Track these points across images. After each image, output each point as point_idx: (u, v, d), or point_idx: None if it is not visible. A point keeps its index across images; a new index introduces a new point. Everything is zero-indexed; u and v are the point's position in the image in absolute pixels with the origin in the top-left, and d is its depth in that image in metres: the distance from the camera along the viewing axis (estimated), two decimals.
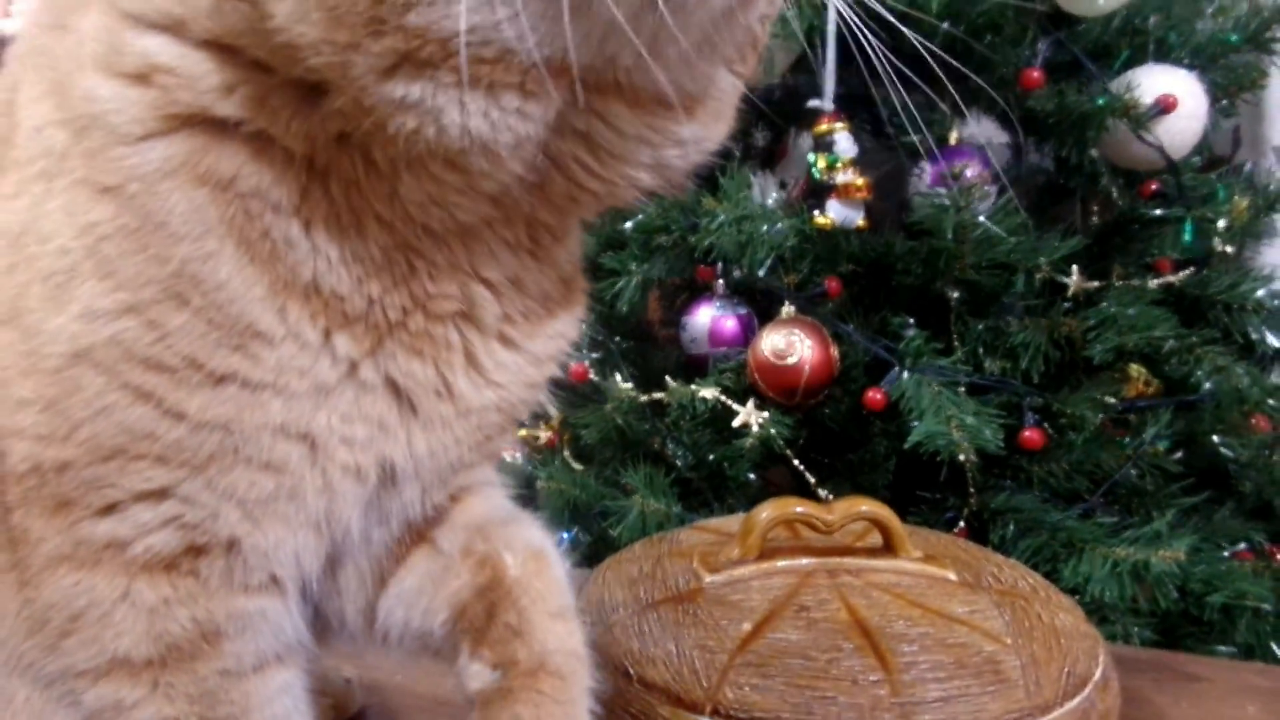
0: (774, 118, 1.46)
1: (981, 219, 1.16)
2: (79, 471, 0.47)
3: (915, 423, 1.18)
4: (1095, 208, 1.54)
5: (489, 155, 0.42)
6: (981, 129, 1.50)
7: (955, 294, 1.30)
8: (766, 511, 0.83)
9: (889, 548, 0.84)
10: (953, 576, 0.82)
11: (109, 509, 0.48)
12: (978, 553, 0.91)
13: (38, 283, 0.46)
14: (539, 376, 0.56)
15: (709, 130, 0.49)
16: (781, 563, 0.83)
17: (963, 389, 1.21)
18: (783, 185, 1.47)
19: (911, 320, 1.34)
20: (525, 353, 0.54)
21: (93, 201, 0.44)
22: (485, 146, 0.42)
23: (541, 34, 0.39)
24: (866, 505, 0.83)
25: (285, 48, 0.41)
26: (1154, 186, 1.39)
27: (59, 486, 0.48)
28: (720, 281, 1.42)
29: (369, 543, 0.57)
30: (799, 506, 0.82)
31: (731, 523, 1.01)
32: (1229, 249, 1.45)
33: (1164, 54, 1.36)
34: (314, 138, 0.45)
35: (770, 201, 1.39)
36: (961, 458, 1.12)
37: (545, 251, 0.53)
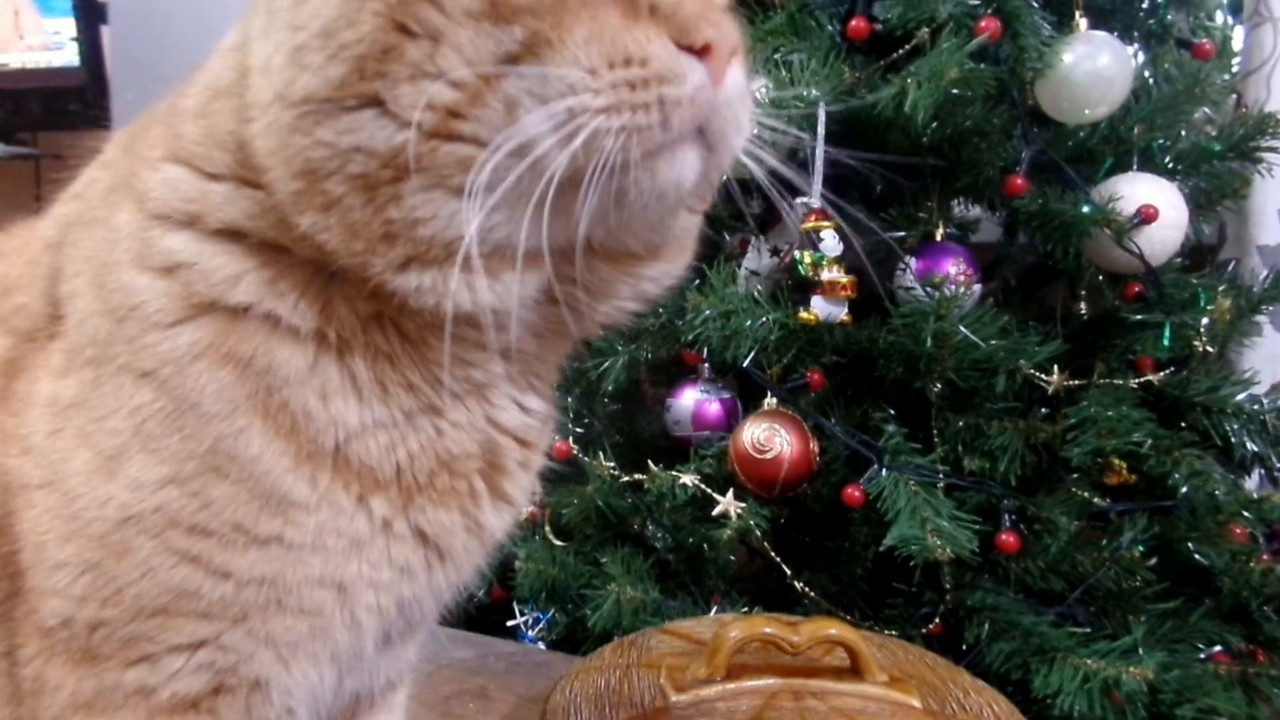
0: (767, 190, 1.47)
1: (962, 329, 1.18)
2: (117, 629, 0.50)
3: (890, 521, 1.19)
4: (1083, 291, 1.55)
5: (499, 315, 0.50)
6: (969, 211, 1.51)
7: (937, 388, 1.31)
8: (735, 631, 0.83)
9: (855, 670, 0.84)
10: (916, 704, 0.82)
11: (141, 659, 0.51)
12: (947, 673, 0.92)
13: (86, 451, 0.49)
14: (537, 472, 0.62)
15: (674, 264, 0.58)
16: (748, 683, 0.83)
17: (940, 487, 1.22)
18: (775, 252, 1.48)
19: (892, 412, 1.34)
20: (533, 467, 0.61)
21: (135, 386, 0.49)
22: (495, 310, 0.49)
23: (527, 233, 0.47)
24: (835, 628, 0.84)
25: (305, 238, 0.48)
26: (1137, 288, 1.41)
27: (90, 641, 0.51)
28: (705, 365, 1.43)
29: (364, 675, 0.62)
30: (767, 628, 0.83)
31: (703, 627, 1.02)
32: (1210, 349, 1.47)
33: (1147, 160, 1.39)
34: (329, 315, 0.50)
35: (763, 265, 1.40)
36: (937, 558, 1.12)
37: (550, 375, 0.60)
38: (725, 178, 0.56)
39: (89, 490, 0.49)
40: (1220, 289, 1.47)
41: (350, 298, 0.50)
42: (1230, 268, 1.66)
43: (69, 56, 2.91)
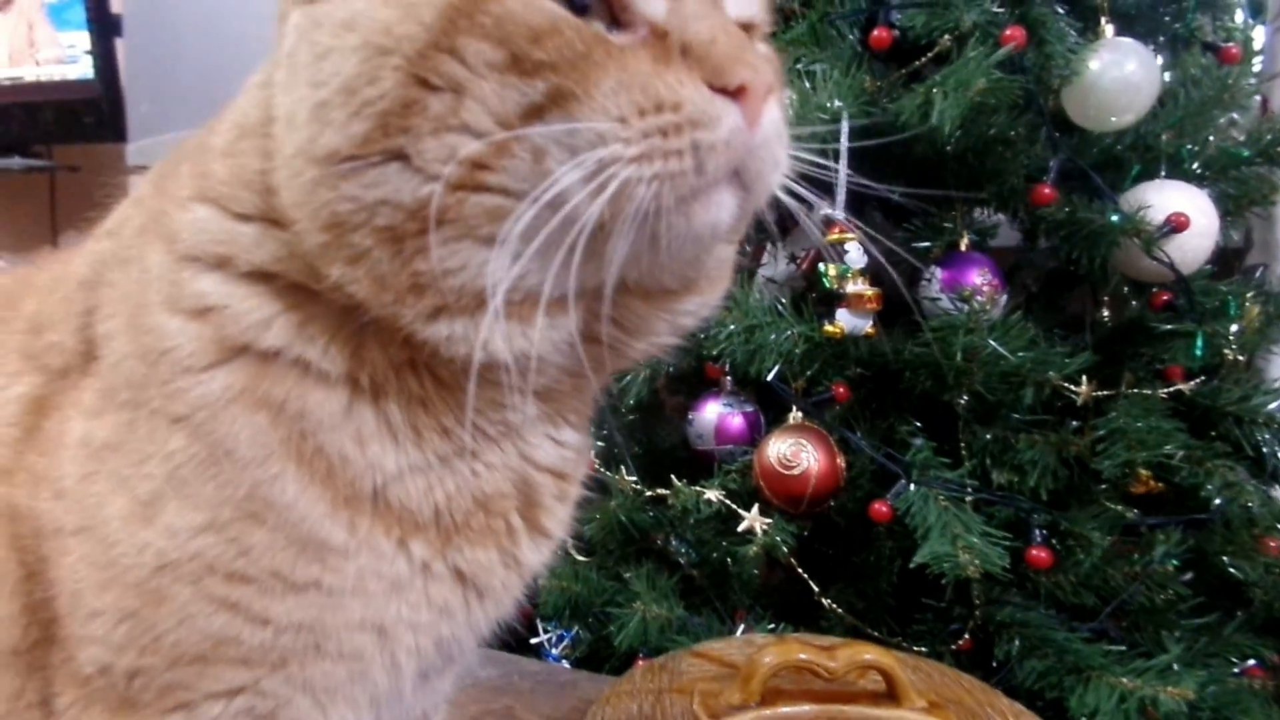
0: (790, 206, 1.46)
1: (991, 342, 1.16)
2: (156, 677, 0.50)
3: (920, 537, 1.17)
4: (1105, 297, 1.53)
5: (530, 360, 0.49)
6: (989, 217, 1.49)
7: (963, 400, 1.29)
8: (769, 657, 0.82)
9: (892, 695, 0.83)
10: None
11: (179, 707, 0.51)
12: (984, 696, 0.90)
13: (122, 497, 0.49)
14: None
15: (711, 296, 0.57)
16: (784, 709, 0.82)
17: (969, 502, 1.20)
18: (793, 259, 1.47)
19: (919, 425, 1.33)
20: (570, 498, 0.60)
21: (169, 432, 0.49)
22: (526, 355, 0.48)
23: (558, 279, 0.46)
24: (871, 653, 0.82)
25: (335, 287, 0.47)
26: (1165, 297, 1.39)
27: (129, 690, 0.50)
28: (728, 378, 1.42)
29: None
30: (802, 653, 0.81)
31: (734, 649, 1.00)
32: (1240, 357, 1.45)
33: (1173, 166, 1.36)
34: (361, 360, 0.50)
35: (780, 273, 1.39)
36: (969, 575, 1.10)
37: (585, 408, 0.60)
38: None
39: (125, 537, 0.48)
40: (1249, 295, 1.45)
41: (383, 343, 0.49)
42: (1258, 274, 1.63)
43: (83, 70, 2.90)
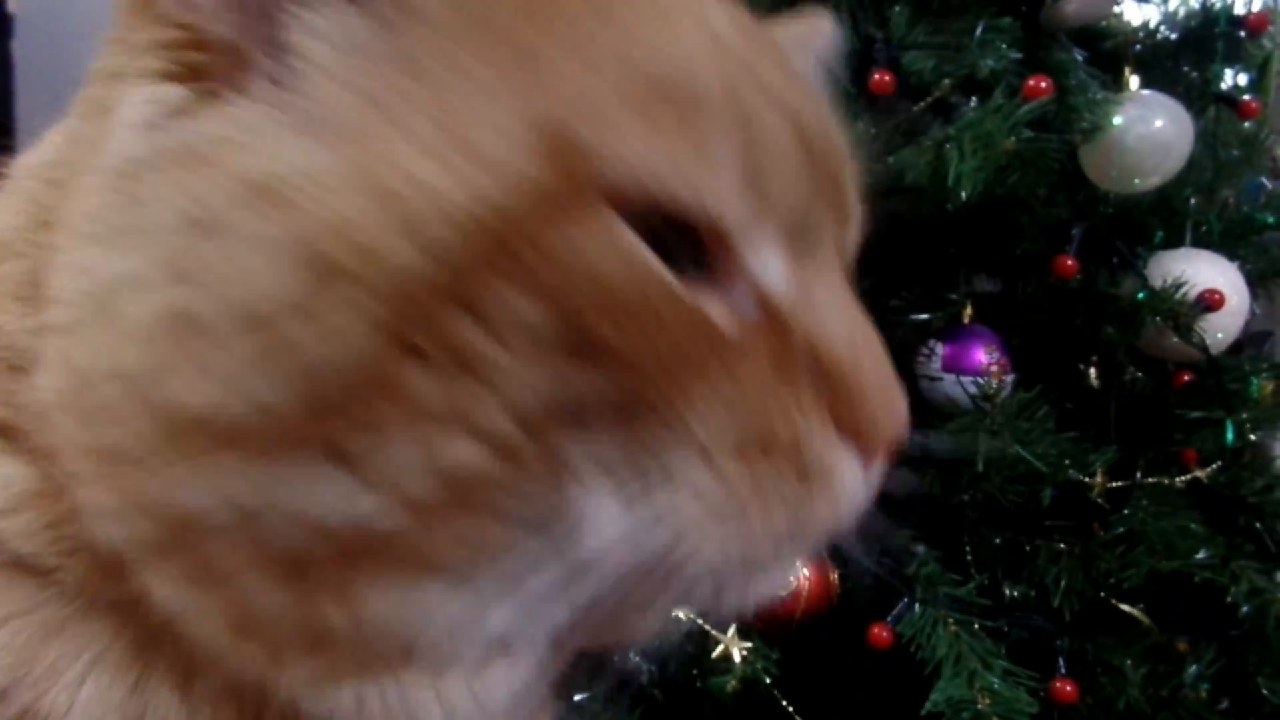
0: None
1: (1019, 449, 0.99)
2: None
3: (929, 672, 0.99)
4: (1094, 358, 1.39)
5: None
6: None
7: (967, 498, 1.13)
8: None
9: None
10: None
11: None
12: None
13: None
14: None
15: None
16: None
17: (979, 628, 1.03)
18: None
19: (914, 522, 1.16)
20: None
21: None
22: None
23: (542, 621, 0.31)
24: None
25: (138, 603, 0.29)
26: (1186, 378, 1.24)
27: None
28: None
29: None
30: None
31: None
32: (1253, 437, 1.32)
33: (1195, 233, 1.23)
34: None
35: None
36: None
37: None
38: None
39: None
40: (1264, 371, 1.33)
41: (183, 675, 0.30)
42: (1267, 345, 1.51)
43: None
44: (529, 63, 0.27)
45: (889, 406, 0.32)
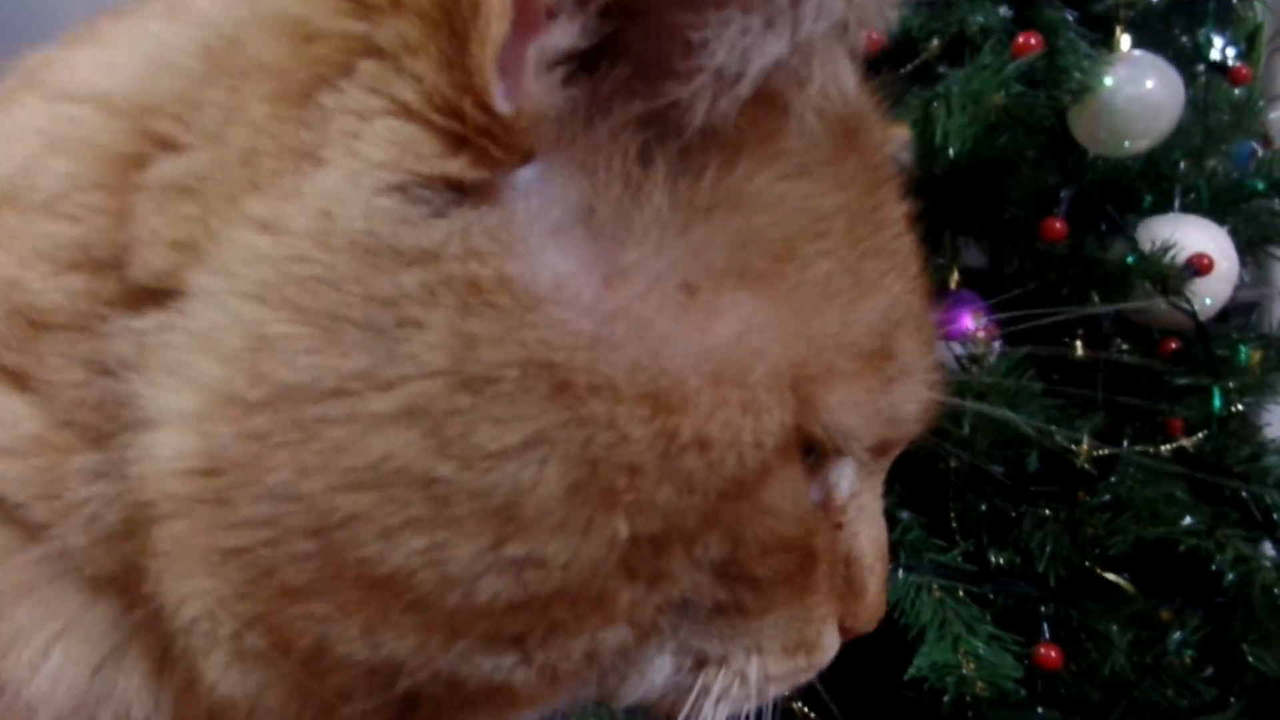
0: None
1: (1007, 412, 0.98)
2: None
3: (910, 626, 0.98)
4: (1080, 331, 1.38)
5: None
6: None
7: (952, 464, 1.12)
8: None
9: None
10: None
11: None
12: None
13: None
14: None
15: None
16: None
17: (964, 594, 1.02)
18: None
19: (898, 487, 1.15)
20: None
21: None
22: None
23: None
24: None
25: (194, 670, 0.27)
26: (1173, 345, 1.23)
27: None
28: None
29: None
30: None
31: None
32: (1240, 406, 1.31)
33: (1185, 198, 1.21)
34: None
35: None
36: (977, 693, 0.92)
37: None
38: None
39: None
40: (1252, 340, 1.32)
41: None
42: (1254, 314, 1.50)
43: None
44: (795, 301, 0.29)
45: (878, 612, 0.38)
